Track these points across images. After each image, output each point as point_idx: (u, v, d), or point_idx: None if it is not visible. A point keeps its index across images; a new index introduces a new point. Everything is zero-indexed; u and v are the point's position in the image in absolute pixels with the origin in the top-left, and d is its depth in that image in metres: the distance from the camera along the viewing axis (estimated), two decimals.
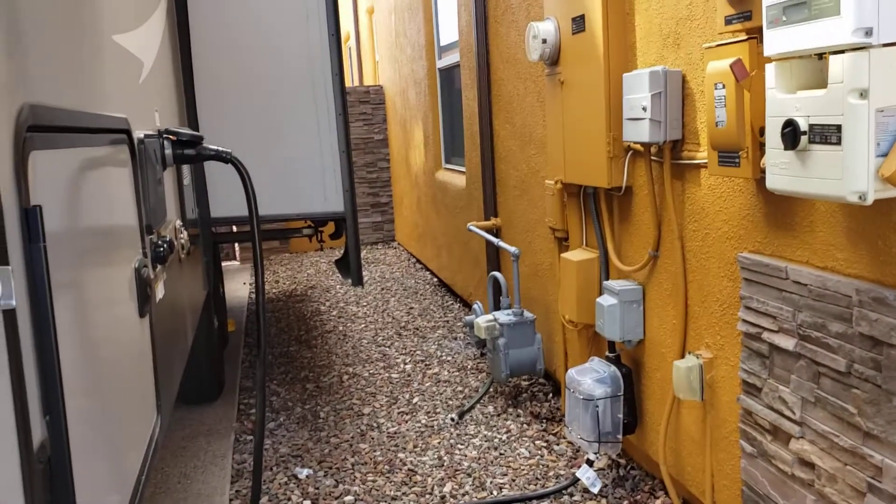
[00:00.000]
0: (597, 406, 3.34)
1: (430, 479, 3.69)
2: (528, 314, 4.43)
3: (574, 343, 4.05)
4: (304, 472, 3.85)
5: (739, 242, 2.63)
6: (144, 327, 1.87)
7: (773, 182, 2.06)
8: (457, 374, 5.12)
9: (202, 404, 4.79)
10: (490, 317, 4.43)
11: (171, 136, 2.43)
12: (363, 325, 6.49)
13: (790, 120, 1.92)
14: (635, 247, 3.37)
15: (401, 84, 9.09)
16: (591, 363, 3.51)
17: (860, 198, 1.78)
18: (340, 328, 6.47)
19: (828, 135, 1.83)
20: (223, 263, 9.96)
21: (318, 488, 3.68)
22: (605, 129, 3.29)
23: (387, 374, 5.20)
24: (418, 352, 5.64)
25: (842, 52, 1.77)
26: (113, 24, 1.85)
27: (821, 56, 1.88)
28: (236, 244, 10.12)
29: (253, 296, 8.10)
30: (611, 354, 3.46)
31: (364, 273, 8.71)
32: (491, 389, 4.72)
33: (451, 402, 4.62)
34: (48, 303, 1.05)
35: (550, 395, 4.62)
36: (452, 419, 4.36)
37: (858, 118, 1.75)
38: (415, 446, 4.07)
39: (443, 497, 3.52)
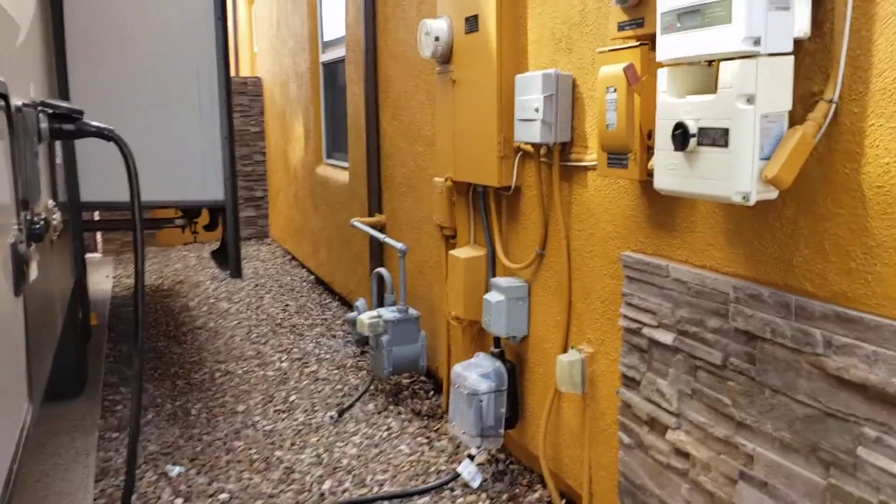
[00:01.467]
0: (481, 401, 3.38)
1: (308, 477, 3.62)
2: (412, 311, 4.44)
3: (458, 340, 4.08)
4: (175, 470, 3.68)
5: (623, 242, 2.73)
6: (18, 307, 1.73)
7: (661, 182, 2.15)
8: (336, 371, 5.05)
9: (64, 399, 4.51)
10: (374, 313, 4.40)
11: (47, 109, 2.27)
12: (236, 322, 6.29)
13: (681, 122, 2.01)
14: (522, 245, 3.44)
15: (281, 76, 8.90)
16: (477, 358, 3.55)
17: (744, 198, 1.89)
18: (211, 324, 6.25)
19: (716, 137, 1.93)
20: (87, 255, 9.44)
21: (190, 486, 3.54)
22: (496, 129, 3.34)
23: (262, 372, 5.06)
24: (295, 349, 5.53)
25: (731, 59, 1.87)
26: None
27: (711, 63, 1.98)
28: (98, 234, 9.60)
29: (116, 289, 7.70)
30: (496, 350, 3.51)
31: None
32: (372, 387, 4.69)
33: (330, 401, 4.56)
34: None
35: (432, 392, 4.64)
36: (332, 417, 4.30)
37: (745, 123, 1.86)
38: (292, 444, 3.98)
39: (322, 494, 3.46)
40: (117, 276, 8.39)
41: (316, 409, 4.43)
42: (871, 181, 1.79)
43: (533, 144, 3.15)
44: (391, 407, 4.43)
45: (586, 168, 2.90)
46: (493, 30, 3.33)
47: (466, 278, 3.71)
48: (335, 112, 7.04)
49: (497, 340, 3.52)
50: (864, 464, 1.83)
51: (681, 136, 2.01)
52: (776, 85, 1.86)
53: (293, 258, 8.96)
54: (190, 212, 5.46)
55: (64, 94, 3.62)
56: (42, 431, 4.03)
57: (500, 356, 3.49)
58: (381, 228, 5.28)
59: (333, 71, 7.01)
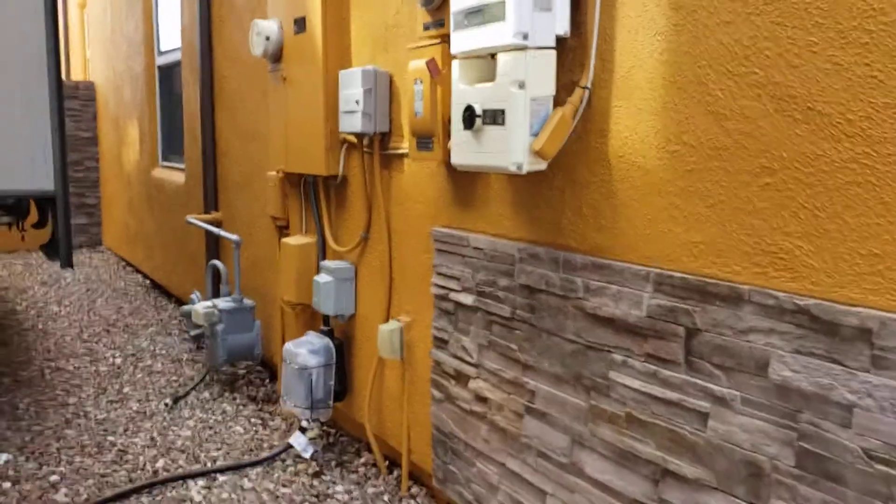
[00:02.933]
0: (310, 375, 3.62)
1: (141, 458, 3.71)
2: (247, 301, 4.60)
3: (292, 324, 4.29)
4: (2, 458, 3.66)
5: (434, 220, 3.07)
6: None
7: (456, 158, 2.50)
8: (171, 365, 5.11)
9: None
10: (209, 303, 4.53)
11: None
12: (67, 324, 6.17)
13: (469, 105, 2.37)
14: (350, 230, 3.72)
15: (115, 81, 8.75)
16: (307, 336, 3.78)
17: (517, 168, 2.26)
18: (40, 326, 6.09)
19: (496, 117, 2.30)
20: None
21: (18, 472, 3.54)
22: (323, 121, 3.61)
23: (94, 368, 5.04)
24: (129, 347, 5.52)
25: (506, 51, 2.25)
26: None
27: (494, 56, 2.35)
28: None
29: None
30: (325, 328, 3.76)
31: (68, 276, 8.21)
32: (208, 378, 4.79)
33: (164, 391, 4.63)
34: None
35: (267, 380, 4.81)
36: (166, 404, 4.38)
37: (517, 104, 2.24)
38: (125, 430, 4.04)
39: (155, 472, 3.57)
40: None
41: (150, 399, 4.50)
42: (615, 152, 2.21)
43: (356, 135, 3.45)
44: (226, 394, 4.56)
45: (402, 155, 3.23)
46: (318, 30, 3.61)
47: (298, 264, 3.94)
48: (171, 115, 7.05)
49: (326, 319, 3.77)
50: (614, 384, 2.24)
51: (468, 117, 2.37)
52: (542, 73, 2.25)
53: (128, 264, 8.79)
54: (17, 209, 5.33)
55: None
56: None
57: (329, 333, 3.74)
58: (218, 225, 5.40)
59: (169, 74, 7.03)
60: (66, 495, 3.33)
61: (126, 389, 4.64)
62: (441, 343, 3.03)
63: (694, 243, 1.99)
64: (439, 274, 3.00)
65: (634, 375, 2.17)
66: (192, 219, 5.34)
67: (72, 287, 7.61)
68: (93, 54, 10.18)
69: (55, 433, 3.98)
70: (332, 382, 3.69)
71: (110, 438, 3.93)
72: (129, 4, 7.83)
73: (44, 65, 3.95)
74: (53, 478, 3.48)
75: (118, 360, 5.19)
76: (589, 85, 2.26)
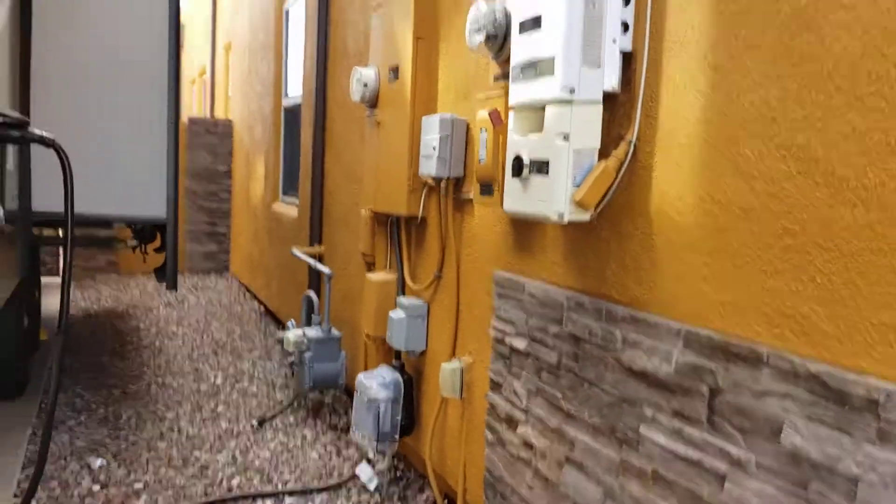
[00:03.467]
0: (379, 407, 3.73)
1: (220, 474, 3.93)
2: (335, 332, 4.80)
3: (372, 356, 4.44)
4: (97, 462, 3.98)
5: (496, 263, 3.14)
6: None
7: (507, 205, 2.58)
8: (265, 389, 5.37)
9: (3, 400, 4.78)
10: (300, 331, 4.76)
11: None
12: (181, 343, 6.60)
13: (518, 155, 2.45)
14: (425, 269, 3.84)
15: (249, 120, 9.37)
16: (379, 370, 3.91)
17: (559, 216, 2.31)
18: (157, 344, 6.55)
19: (541, 167, 2.36)
20: (47, 278, 9.72)
21: (109, 477, 3.83)
22: (407, 164, 3.77)
23: (196, 386, 5.38)
24: (231, 368, 5.85)
25: (553, 104, 2.32)
26: None
27: (543, 108, 2.42)
28: (61, 260, 9.89)
29: (71, 311, 7.97)
30: (396, 363, 3.88)
31: (192, 299, 8.78)
32: (295, 403, 5.01)
33: (254, 413, 4.87)
34: None
35: (349, 409, 4.97)
36: (252, 425, 4.61)
37: (561, 155, 2.30)
38: (211, 447, 4.29)
39: (229, 488, 3.77)
40: (74, 299, 8.66)
41: (240, 419, 4.75)
42: (655, 207, 2.22)
43: (434, 179, 3.58)
44: (310, 420, 4.76)
45: (472, 199, 3.33)
46: (408, 78, 3.79)
47: (379, 299, 4.09)
48: (292, 153, 7.48)
49: (398, 354, 3.89)
50: (644, 439, 2.22)
51: (517, 165, 2.44)
52: (587, 126, 2.30)
53: (248, 291, 9.29)
54: (143, 234, 5.81)
55: (25, 102, 4.00)
56: None
57: (400, 368, 3.86)
58: (320, 258, 5.67)
59: (294, 115, 7.47)
60: (144, 502, 3.58)
61: (220, 408, 4.92)
62: (496, 386, 3.07)
63: (721, 302, 1.97)
64: (498, 317, 3.06)
65: (662, 431, 2.15)
66: (295, 250, 5.63)
67: (193, 309, 8.13)
68: (233, 94, 10.94)
69: (148, 444, 4.28)
70: (400, 417, 3.79)
71: (196, 453, 4.18)
72: (264, 49, 8.40)
73: (165, 107, 4.34)
74: (137, 485, 3.75)
75: (219, 381, 5.51)
76: (634, 139, 2.29)
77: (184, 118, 11.08)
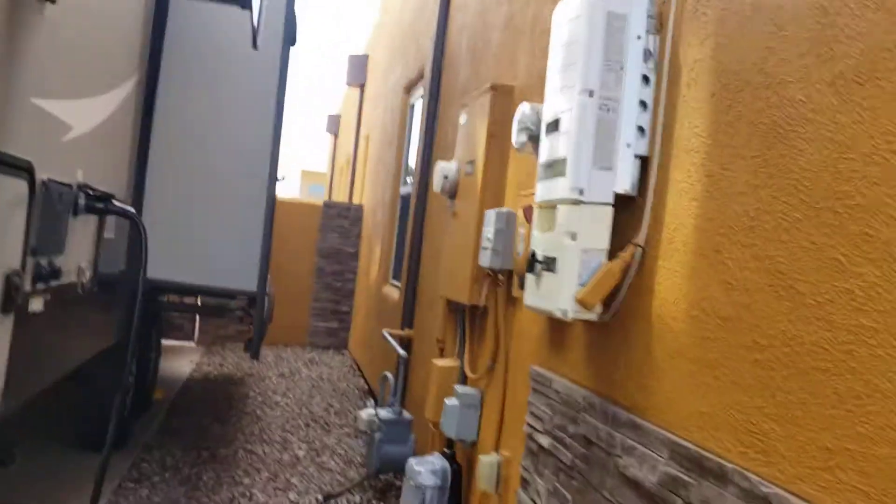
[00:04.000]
0: (424, 494, 3.74)
1: None
2: (406, 414, 4.87)
3: (437, 442, 4.47)
4: None
5: (535, 358, 3.14)
6: (6, 323, 2.38)
7: (526, 299, 2.61)
8: (343, 466, 5.48)
9: (101, 451, 5.15)
10: (372, 411, 4.87)
11: (86, 191, 3.02)
12: (279, 413, 6.87)
13: (533, 251, 2.49)
14: (482, 358, 3.87)
15: (374, 205, 9.83)
16: (431, 457, 3.93)
17: (563, 314, 2.32)
18: (258, 412, 6.85)
19: (550, 264, 2.39)
20: (177, 342, 10.42)
21: None
22: (472, 254, 3.87)
23: (279, 455, 5.57)
24: (317, 442, 6.02)
25: (564, 204, 2.36)
26: (35, 88, 2.48)
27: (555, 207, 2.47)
28: (196, 324, 10.61)
29: (194, 374, 8.50)
30: (447, 451, 3.89)
31: (304, 371, 9.14)
32: (365, 483, 5.08)
33: (325, 488, 4.98)
34: None
35: None
36: (317, 500, 4.71)
37: (568, 254, 2.32)
38: None
39: None
40: (199, 363, 9.23)
41: (309, 492, 4.87)
42: (655, 312, 2.19)
43: (491, 270, 3.65)
44: (374, 501, 4.80)
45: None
46: (480, 173, 3.93)
47: (439, 385, 4.15)
48: (403, 239, 7.76)
49: (450, 442, 3.90)
50: None
51: (531, 262, 2.49)
52: (596, 227, 2.33)
53: (358, 368, 9.55)
54: (252, 304, 6.18)
55: (141, 176, 4.47)
56: (70, 476, 4.67)
57: (451, 457, 3.86)
58: (409, 342, 5.80)
59: (407, 203, 7.79)
60: None
61: (293, 480, 5.07)
62: (525, 483, 3.03)
63: (700, 413, 1.91)
64: (531, 413, 3.04)
65: None
66: (385, 332, 5.80)
67: (302, 382, 8.45)
68: (365, 181, 11.54)
69: None
70: None
71: None
72: (390, 140, 8.87)
73: (264, 192, 4.72)
74: None
75: (301, 453, 5.69)
76: (642, 243, 2.29)
77: (319, 202, 11.76)
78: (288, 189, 39.90)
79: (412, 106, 8.27)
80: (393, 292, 7.42)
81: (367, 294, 9.48)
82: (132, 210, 3.14)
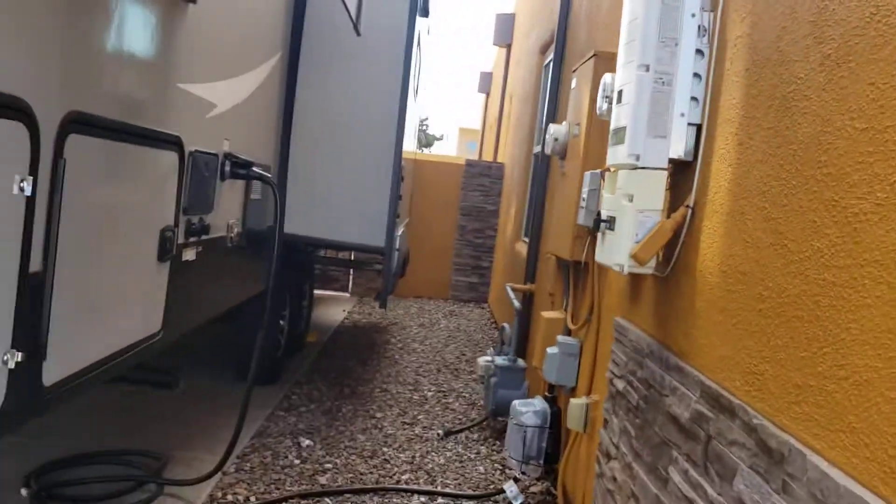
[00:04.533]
0: (525, 433, 4.12)
1: (395, 469, 4.56)
2: (520, 362, 5.24)
3: (542, 387, 4.81)
4: (305, 442, 4.82)
5: (618, 310, 3.41)
6: (163, 268, 2.95)
7: (596, 255, 2.88)
8: (465, 407, 5.95)
9: (258, 385, 5.89)
10: (489, 358, 5.27)
11: (230, 159, 3.57)
12: (414, 359, 7.44)
13: (598, 211, 2.76)
14: (582, 310, 4.16)
15: (511, 163, 10.15)
16: (533, 400, 4.29)
17: (620, 268, 2.59)
18: (396, 357, 7.46)
19: (611, 223, 2.66)
20: (333, 292, 11.28)
21: (309, 455, 4.64)
22: (574, 213, 4.14)
23: (409, 395, 6.11)
24: (445, 385, 6.52)
25: (622, 168, 2.61)
26: (181, 76, 3.01)
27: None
28: (350, 276, 11.43)
29: (344, 322, 9.26)
30: (548, 395, 4.23)
31: (443, 322, 9.70)
32: (484, 423, 5.52)
33: (447, 425, 5.46)
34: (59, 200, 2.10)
35: None
36: (438, 434, 5.20)
37: (625, 214, 2.58)
38: (399, 446, 4.95)
39: (397, 481, 4.38)
40: (351, 312, 10.01)
41: (433, 427, 5.37)
42: (699, 267, 2.42)
43: (588, 227, 3.91)
44: (490, 440, 5.23)
45: None
46: (583, 136, 4.17)
47: (545, 335, 4.47)
48: (534, 197, 8.05)
49: (551, 387, 4.23)
50: (670, 479, 2.41)
51: (596, 221, 2.76)
52: (650, 189, 2.57)
53: (495, 321, 10.00)
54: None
55: (285, 145, 5.06)
56: (229, 399, 5.41)
57: (551, 400, 4.20)
58: (531, 295, 6.14)
59: (538, 162, 8.05)
60: (326, 479, 4.31)
61: (420, 416, 5.59)
62: (605, 423, 3.33)
63: (722, 357, 2.15)
64: (612, 360, 3.32)
65: (679, 472, 2.33)
66: (508, 286, 6.16)
67: (440, 332, 9.01)
68: (507, 140, 11.84)
69: (351, 435, 5.06)
70: (545, 444, 4.13)
71: (384, 449, 4.86)
72: (526, 99, 9.12)
73: (392, 155, 5.18)
74: (327, 465, 4.50)
75: (429, 394, 6.21)
76: (691, 204, 2.51)
77: (462, 161, 12.20)
78: (446, 147, 40.95)
79: (546, 66, 8.47)
80: (523, 248, 7.75)
81: (504, 250, 9.86)
82: (269, 175, 3.66)
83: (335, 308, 10.18)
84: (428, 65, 9.42)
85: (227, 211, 3.84)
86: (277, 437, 4.91)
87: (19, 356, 1.95)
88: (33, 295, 2.02)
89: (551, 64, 7.07)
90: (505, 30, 14.08)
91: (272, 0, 4.43)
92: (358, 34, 3.39)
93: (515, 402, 4.27)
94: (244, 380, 5.79)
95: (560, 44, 6.28)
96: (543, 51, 8.44)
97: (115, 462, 3.99)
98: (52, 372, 2.16)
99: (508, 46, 14.08)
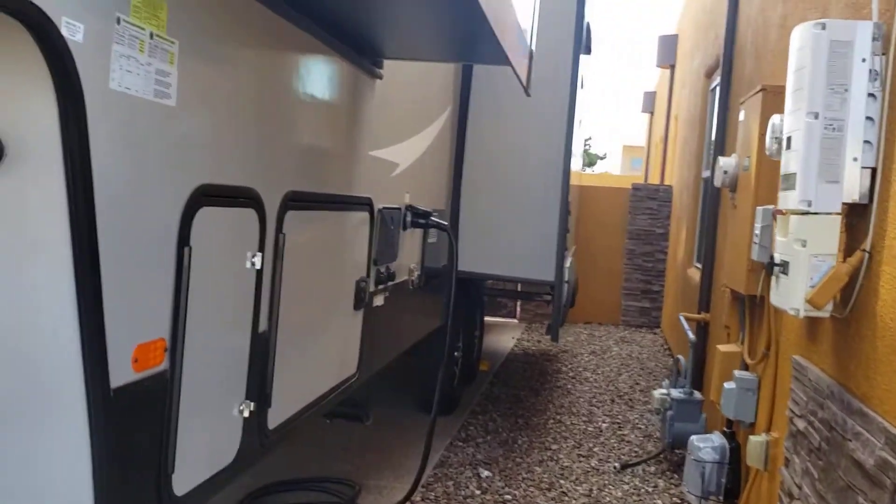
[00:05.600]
0: (703, 468, 4.12)
1: (574, 502, 4.67)
2: (697, 395, 5.21)
3: (720, 421, 4.77)
4: (485, 473, 5.04)
5: (796, 349, 3.38)
6: (358, 316, 3.28)
7: (771, 297, 2.91)
8: (642, 439, 5.96)
9: (438, 415, 6.20)
10: (665, 390, 5.28)
11: (412, 210, 3.89)
12: (587, 388, 7.51)
13: (771, 255, 2.80)
14: (759, 345, 4.12)
15: (679, 186, 10.01)
16: (711, 435, 4.28)
17: (795, 312, 2.62)
18: (569, 387, 7.56)
19: (784, 267, 2.69)
20: (501, 318, 11.54)
21: (489, 486, 4.85)
22: (747, 246, 4.13)
23: (583, 426, 6.20)
24: (620, 416, 6.55)
25: (794, 213, 2.64)
26: (371, 145, 3.34)
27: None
28: (518, 304, 11.65)
29: (514, 349, 9.47)
30: (726, 430, 4.21)
31: (615, 349, 9.68)
32: (661, 457, 5.51)
33: (623, 457, 5.51)
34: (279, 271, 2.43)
35: None
36: (615, 468, 5.26)
37: (799, 259, 2.61)
38: (576, 479, 5.06)
39: None
40: (520, 339, 10.21)
41: (609, 460, 5.43)
42: (879, 311, 2.41)
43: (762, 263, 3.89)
44: (667, 473, 5.22)
45: None
46: (753, 170, 4.15)
47: (721, 369, 4.46)
48: (705, 222, 7.92)
49: (730, 422, 4.21)
50: None
51: (769, 264, 2.80)
52: (824, 234, 2.58)
53: (668, 348, 9.85)
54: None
55: (456, 191, 5.36)
56: (413, 431, 5.74)
57: (730, 436, 4.17)
58: (706, 325, 6.08)
59: (708, 187, 7.93)
60: None
61: (595, 448, 5.67)
62: (786, 462, 3.30)
63: None
64: (792, 399, 3.30)
65: None
66: (681, 316, 6.13)
67: (612, 360, 9.01)
68: (674, 160, 11.67)
69: (528, 467, 5.23)
70: (725, 479, 4.11)
71: (561, 482, 4.99)
72: (692, 121, 9.00)
73: (559, 194, 5.35)
74: (507, 496, 4.69)
75: (604, 425, 6.26)
76: (868, 248, 2.50)
77: (628, 185, 12.14)
78: (609, 165, 40.45)
79: (712, 90, 8.34)
80: (695, 274, 7.64)
81: (675, 275, 9.71)
82: (445, 223, 3.94)
83: (505, 335, 10.42)
84: (589, 86, 9.51)
85: (409, 257, 4.15)
86: (458, 467, 5.16)
87: (252, 406, 2.29)
88: (261, 351, 2.37)
89: (717, 90, 7.00)
90: (668, 51, 13.91)
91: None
92: (528, 95, 3.60)
93: (693, 438, 4.28)
94: (423, 409, 6.15)
95: (727, 71, 6.22)
96: (709, 74, 8.33)
97: (315, 489, 4.38)
98: (275, 417, 2.50)
99: (672, 67, 13.90)
